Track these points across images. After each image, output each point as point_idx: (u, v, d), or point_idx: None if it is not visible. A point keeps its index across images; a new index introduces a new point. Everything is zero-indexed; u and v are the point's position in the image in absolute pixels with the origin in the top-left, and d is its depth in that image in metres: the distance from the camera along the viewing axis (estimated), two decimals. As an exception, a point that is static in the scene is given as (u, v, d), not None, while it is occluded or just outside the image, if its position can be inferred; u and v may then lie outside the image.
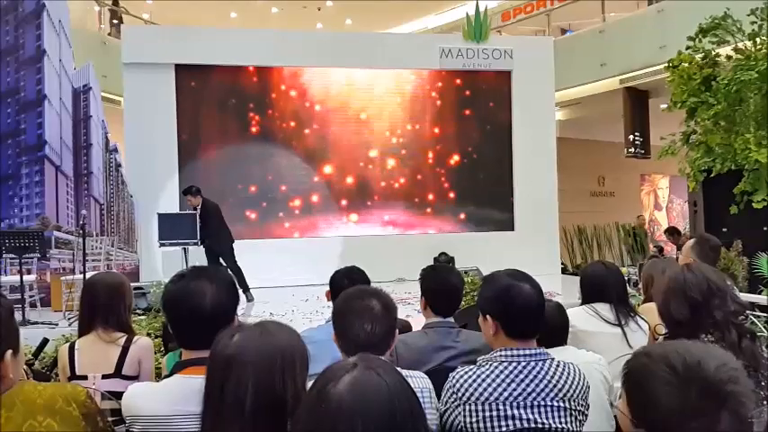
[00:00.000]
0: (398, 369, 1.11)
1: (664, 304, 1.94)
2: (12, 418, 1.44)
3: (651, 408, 1.03)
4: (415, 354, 2.35)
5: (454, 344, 2.40)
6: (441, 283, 2.55)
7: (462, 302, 6.22)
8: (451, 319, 2.51)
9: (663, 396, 1.01)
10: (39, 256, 6.63)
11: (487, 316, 1.87)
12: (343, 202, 9.94)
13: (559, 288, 7.67)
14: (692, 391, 0.99)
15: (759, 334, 2.35)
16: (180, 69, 9.34)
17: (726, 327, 1.82)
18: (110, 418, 1.95)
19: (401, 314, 3.53)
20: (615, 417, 2.19)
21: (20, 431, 1.43)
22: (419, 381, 1.87)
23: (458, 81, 10.26)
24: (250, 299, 7.35)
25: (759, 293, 5.79)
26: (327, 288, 2.76)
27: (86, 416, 1.53)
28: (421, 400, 1.09)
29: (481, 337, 2.06)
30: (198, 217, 7.28)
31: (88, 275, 4.17)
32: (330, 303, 2.51)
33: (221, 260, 7.33)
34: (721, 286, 1.90)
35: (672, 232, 10.63)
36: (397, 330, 1.88)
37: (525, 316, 1.83)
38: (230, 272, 6.47)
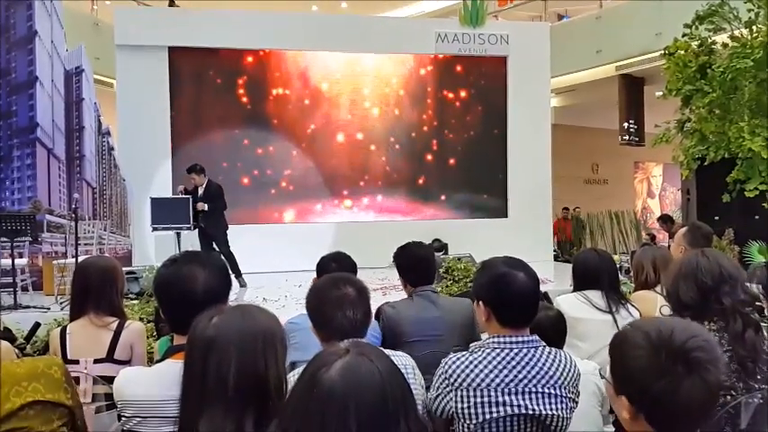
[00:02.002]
0: (383, 350, 1.12)
1: (673, 285, 1.94)
2: None
3: (625, 370, 1.12)
4: (402, 314, 2.58)
5: (440, 303, 2.66)
6: (411, 258, 2.79)
7: (455, 288, 6.20)
8: (433, 286, 2.75)
9: (635, 359, 1.09)
10: (30, 239, 6.59)
11: (481, 302, 1.87)
12: (337, 188, 9.92)
13: (552, 275, 7.70)
14: (661, 355, 1.07)
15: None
16: (173, 52, 9.26)
17: (732, 315, 1.82)
18: (102, 403, 1.97)
19: (395, 298, 3.53)
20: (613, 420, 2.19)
21: (8, 397, 1.50)
22: (401, 359, 1.92)
23: (453, 66, 10.20)
24: (242, 284, 7.33)
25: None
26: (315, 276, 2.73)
27: (66, 377, 1.64)
28: (405, 376, 1.10)
29: (465, 303, 2.15)
30: (198, 197, 7.21)
31: (80, 259, 4.15)
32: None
33: (214, 245, 7.30)
34: (734, 274, 1.90)
35: (665, 220, 10.65)
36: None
37: (518, 304, 1.83)
38: (223, 257, 6.48)
